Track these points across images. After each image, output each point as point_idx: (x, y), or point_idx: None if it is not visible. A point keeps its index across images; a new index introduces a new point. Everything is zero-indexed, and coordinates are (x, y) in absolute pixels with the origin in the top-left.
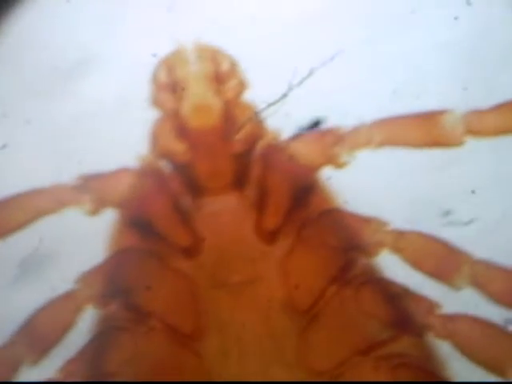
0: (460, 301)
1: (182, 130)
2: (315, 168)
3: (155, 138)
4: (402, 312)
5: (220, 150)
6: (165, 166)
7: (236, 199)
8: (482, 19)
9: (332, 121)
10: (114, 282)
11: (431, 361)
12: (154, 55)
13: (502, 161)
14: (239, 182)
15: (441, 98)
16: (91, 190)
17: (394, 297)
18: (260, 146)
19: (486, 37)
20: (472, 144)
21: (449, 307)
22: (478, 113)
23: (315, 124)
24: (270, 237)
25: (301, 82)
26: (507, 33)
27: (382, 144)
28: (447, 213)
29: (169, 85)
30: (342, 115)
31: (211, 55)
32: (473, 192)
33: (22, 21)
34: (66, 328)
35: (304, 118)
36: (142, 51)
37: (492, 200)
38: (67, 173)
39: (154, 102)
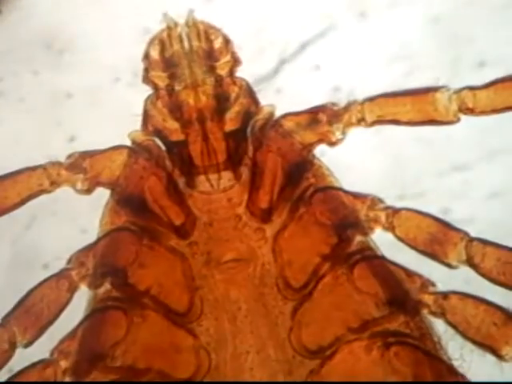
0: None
1: (175, 108)
2: (309, 146)
3: (148, 115)
4: (396, 290)
5: (213, 128)
6: (158, 144)
7: (229, 177)
8: None
9: (322, 96)
10: (107, 261)
11: (426, 339)
12: (147, 32)
13: (494, 137)
14: (232, 160)
15: (432, 72)
16: (84, 168)
17: (389, 275)
18: (253, 124)
19: (477, 11)
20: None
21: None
22: (472, 90)
23: None
24: (264, 215)
25: (292, 58)
26: (496, 7)
27: (375, 122)
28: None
29: (161, 62)
30: (332, 91)
31: (204, 32)
32: (463, 168)
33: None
34: (59, 307)
35: (295, 93)
36: (135, 28)
37: (484, 175)
38: (60, 150)
39: (146, 79)
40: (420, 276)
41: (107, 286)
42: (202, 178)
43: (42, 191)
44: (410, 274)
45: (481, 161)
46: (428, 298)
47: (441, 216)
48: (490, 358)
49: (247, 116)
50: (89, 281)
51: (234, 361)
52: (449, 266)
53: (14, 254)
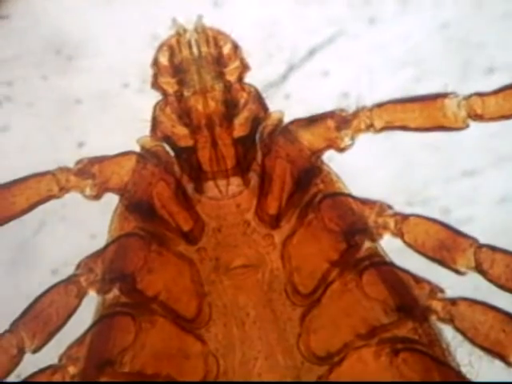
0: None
1: (184, 114)
2: (317, 151)
3: (157, 121)
4: (405, 296)
5: (222, 133)
6: (167, 150)
7: (238, 183)
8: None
9: (331, 102)
10: (116, 267)
11: (435, 345)
12: (156, 38)
13: (502, 143)
14: (241, 166)
15: (441, 78)
16: (93, 174)
17: (397, 281)
18: (262, 130)
19: (485, 17)
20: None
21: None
22: (481, 96)
23: None
24: (272, 221)
25: (300, 64)
26: (505, 13)
27: (384, 128)
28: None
29: (170, 68)
30: (341, 96)
31: (213, 38)
32: (472, 174)
33: (23, 4)
34: (68, 313)
35: (303, 99)
36: (143, 34)
37: (493, 181)
38: (69, 156)
39: (155, 85)
40: (428, 282)
41: (116, 291)
42: (210, 183)
43: (51, 197)
44: (418, 280)
45: (489, 167)
46: (436, 305)
47: (449, 222)
48: (499, 364)
49: (256, 122)
50: (97, 286)
51: (242, 367)
52: (457, 272)
53: (22, 260)
